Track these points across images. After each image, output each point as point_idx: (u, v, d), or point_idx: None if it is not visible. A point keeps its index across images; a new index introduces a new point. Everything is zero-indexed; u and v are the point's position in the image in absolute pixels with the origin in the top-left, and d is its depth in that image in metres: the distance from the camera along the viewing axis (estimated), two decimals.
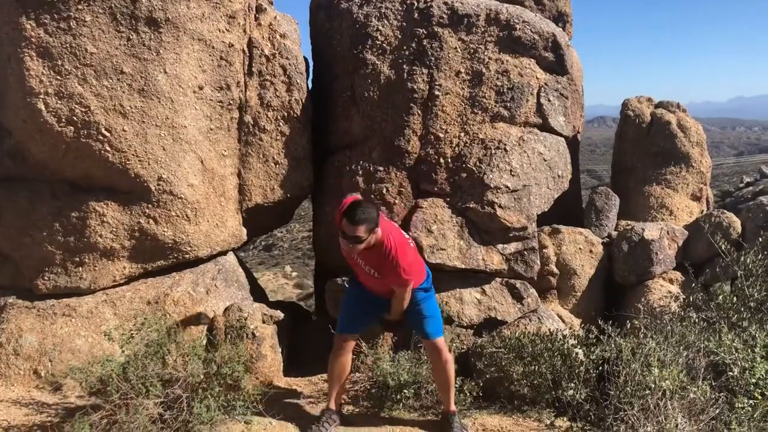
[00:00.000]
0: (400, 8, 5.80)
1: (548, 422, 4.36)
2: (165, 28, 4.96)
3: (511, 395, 4.67)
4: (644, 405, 3.68)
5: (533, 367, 4.54)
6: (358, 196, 4.23)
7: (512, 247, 5.74)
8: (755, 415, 3.62)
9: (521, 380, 4.60)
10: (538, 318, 5.38)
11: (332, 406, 4.22)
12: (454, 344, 4.90)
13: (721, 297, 4.81)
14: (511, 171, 5.69)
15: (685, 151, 8.03)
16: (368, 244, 3.82)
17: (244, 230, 5.80)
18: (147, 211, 5.11)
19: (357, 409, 4.60)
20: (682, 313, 4.76)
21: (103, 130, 4.84)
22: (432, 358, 4.24)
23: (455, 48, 5.78)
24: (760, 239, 5.55)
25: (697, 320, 4.55)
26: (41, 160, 5.00)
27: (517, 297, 5.74)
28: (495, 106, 5.83)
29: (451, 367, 4.20)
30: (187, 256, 5.33)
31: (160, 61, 4.97)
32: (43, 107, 4.72)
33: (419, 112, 5.72)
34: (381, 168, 5.71)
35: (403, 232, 4.29)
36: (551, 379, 4.45)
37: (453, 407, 4.24)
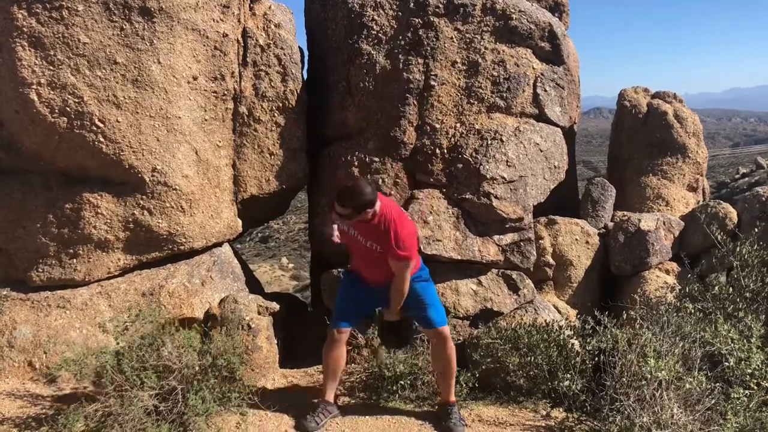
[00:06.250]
0: None
1: (544, 413, 4.37)
2: (158, 18, 4.91)
3: (507, 386, 4.68)
4: (640, 395, 3.68)
5: (529, 358, 4.55)
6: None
7: (508, 238, 5.74)
8: (751, 405, 3.63)
9: (517, 371, 4.61)
10: (535, 309, 5.38)
11: (328, 398, 4.21)
12: (451, 335, 4.89)
13: (717, 287, 4.82)
14: (507, 162, 5.67)
15: (682, 142, 8.02)
16: (364, 218, 3.81)
17: (240, 222, 5.79)
18: (141, 202, 5.08)
19: (353, 400, 4.60)
20: (678, 304, 4.76)
21: (97, 121, 4.80)
22: (436, 347, 4.21)
23: (451, 38, 5.74)
24: (756, 230, 5.55)
25: (693, 311, 4.55)
26: (34, 152, 4.96)
27: (514, 288, 5.74)
28: (491, 96, 5.80)
29: (454, 357, 4.18)
30: (182, 247, 5.31)
31: (153, 51, 4.93)
32: (35, 97, 4.67)
33: (415, 102, 5.69)
34: (377, 159, 5.68)
35: (404, 210, 4.25)
36: (547, 369, 4.46)
37: (453, 398, 4.23)
